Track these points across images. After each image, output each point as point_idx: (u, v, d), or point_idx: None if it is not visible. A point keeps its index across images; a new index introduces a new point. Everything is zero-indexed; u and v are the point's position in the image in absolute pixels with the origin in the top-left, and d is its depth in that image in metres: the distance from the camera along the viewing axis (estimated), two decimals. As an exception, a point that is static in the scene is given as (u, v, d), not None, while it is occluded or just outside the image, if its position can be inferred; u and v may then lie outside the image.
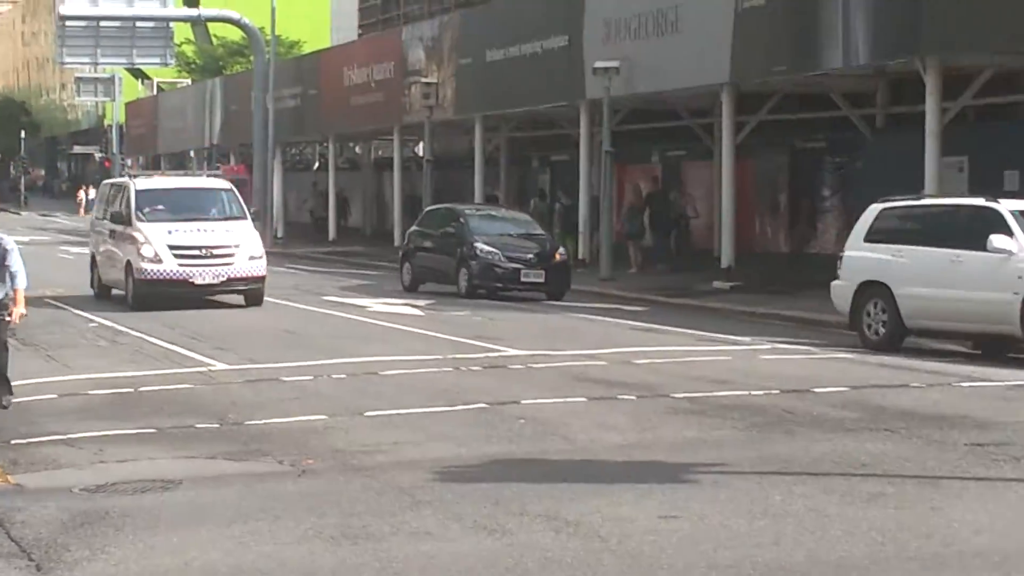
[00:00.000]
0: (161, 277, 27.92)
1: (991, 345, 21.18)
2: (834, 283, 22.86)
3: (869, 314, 21.92)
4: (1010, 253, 19.95)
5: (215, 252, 28.13)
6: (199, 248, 28.11)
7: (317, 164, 69.34)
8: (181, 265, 27.91)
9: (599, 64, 34.86)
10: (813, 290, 30.37)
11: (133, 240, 28.41)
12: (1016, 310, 19.75)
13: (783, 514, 10.38)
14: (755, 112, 35.38)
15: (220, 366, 19.59)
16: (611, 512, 10.48)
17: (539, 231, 33.66)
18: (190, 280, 27.96)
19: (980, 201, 21.25)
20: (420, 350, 21.16)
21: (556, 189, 47.18)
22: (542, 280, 31.28)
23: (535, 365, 19.35)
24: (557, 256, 31.93)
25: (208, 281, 28.09)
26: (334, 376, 18.32)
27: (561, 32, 38.38)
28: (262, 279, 28.70)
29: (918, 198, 23.01)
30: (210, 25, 75.15)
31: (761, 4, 30.64)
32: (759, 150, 37.39)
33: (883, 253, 21.92)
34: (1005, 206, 20.62)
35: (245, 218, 29.57)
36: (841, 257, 22.95)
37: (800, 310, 27.30)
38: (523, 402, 15.81)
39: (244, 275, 28.33)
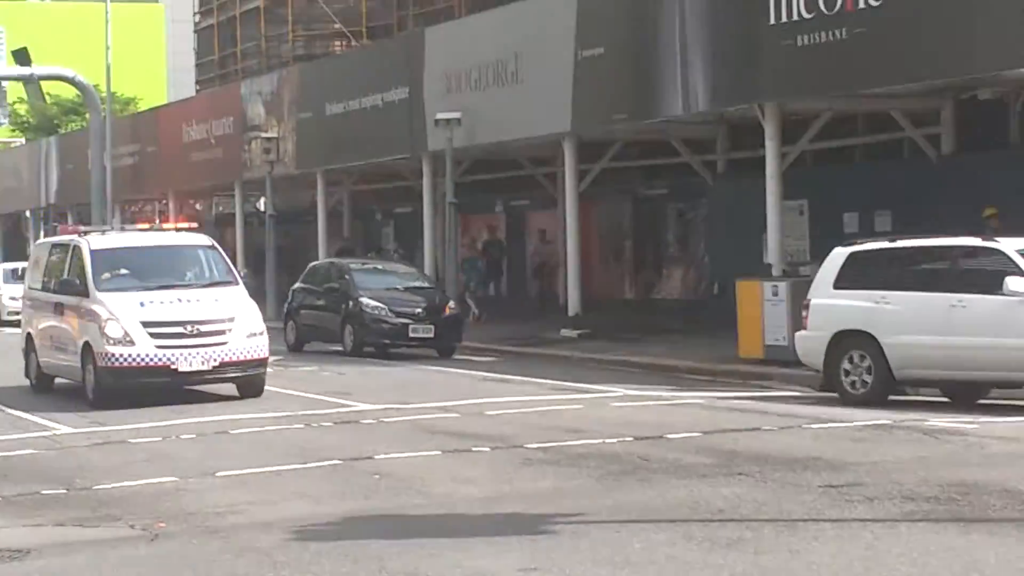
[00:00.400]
0: (133, 364, 21.72)
1: (962, 392, 19.96)
2: (800, 334, 21.11)
3: (848, 370, 20.10)
4: None
5: (203, 329, 22.09)
6: (182, 324, 22.03)
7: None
8: (159, 347, 21.82)
9: (440, 116, 34.83)
10: (660, 335, 30.77)
11: (93, 316, 22.19)
12: None
13: (645, 563, 10.36)
14: (597, 160, 35.60)
15: (65, 429, 19.22)
16: (471, 566, 10.39)
17: (428, 284, 32.59)
18: (171, 366, 21.84)
19: (976, 241, 19.68)
20: (270, 407, 20.93)
21: (392, 240, 47.24)
22: (431, 335, 29.97)
23: (387, 419, 19.22)
24: (447, 310, 30.65)
25: (195, 367, 21.96)
26: (183, 436, 18.04)
27: (402, 84, 38.30)
28: (263, 362, 22.76)
29: (892, 240, 21.04)
30: (43, 83, 74.07)
31: (600, 53, 30.83)
32: (603, 198, 37.68)
33: (862, 300, 20.07)
34: (1008, 246, 19.11)
35: (236, 283, 23.49)
36: (807, 306, 20.98)
37: (649, 356, 27.43)
38: (377, 457, 15.68)
39: (241, 358, 22.27)
